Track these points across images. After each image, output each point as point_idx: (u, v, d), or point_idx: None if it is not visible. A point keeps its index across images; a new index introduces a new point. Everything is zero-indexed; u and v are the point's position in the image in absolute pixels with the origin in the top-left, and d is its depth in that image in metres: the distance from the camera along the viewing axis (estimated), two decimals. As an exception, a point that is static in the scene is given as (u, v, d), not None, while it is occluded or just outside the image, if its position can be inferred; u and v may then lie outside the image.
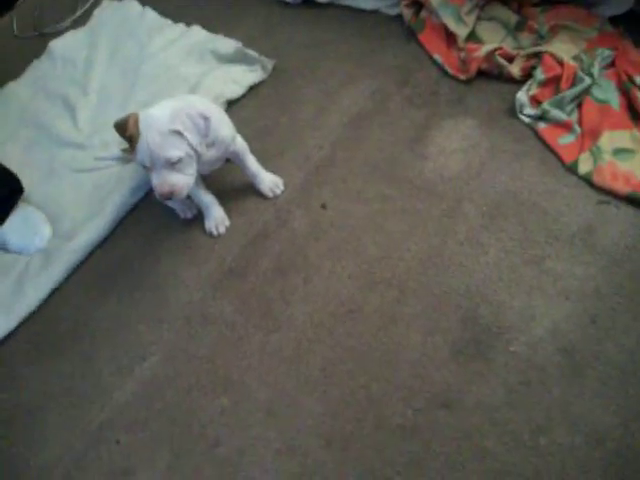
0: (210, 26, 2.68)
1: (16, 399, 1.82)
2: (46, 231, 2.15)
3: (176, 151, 1.68)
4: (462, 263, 1.74)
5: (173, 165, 1.69)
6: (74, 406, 1.76)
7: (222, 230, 1.97)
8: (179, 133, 1.68)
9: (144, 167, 1.74)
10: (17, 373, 1.87)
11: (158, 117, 1.68)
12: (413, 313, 1.68)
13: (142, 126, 1.67)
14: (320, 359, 1.66)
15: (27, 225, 2.14)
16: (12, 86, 2.73)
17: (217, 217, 1.98)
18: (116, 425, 1.69)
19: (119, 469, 1.61)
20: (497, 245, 1.75)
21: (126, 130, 1.69)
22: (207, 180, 1.99)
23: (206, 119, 1.72)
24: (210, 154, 1.81)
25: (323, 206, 1.95)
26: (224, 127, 1.83)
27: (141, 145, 1.67)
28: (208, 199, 1.97)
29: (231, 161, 1.98)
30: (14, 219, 2.17)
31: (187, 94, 2.05)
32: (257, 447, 1.56)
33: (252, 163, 1.99)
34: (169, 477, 1.57)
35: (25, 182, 2.30)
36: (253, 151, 2.00)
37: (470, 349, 1.59)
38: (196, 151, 1.72)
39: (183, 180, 1.73)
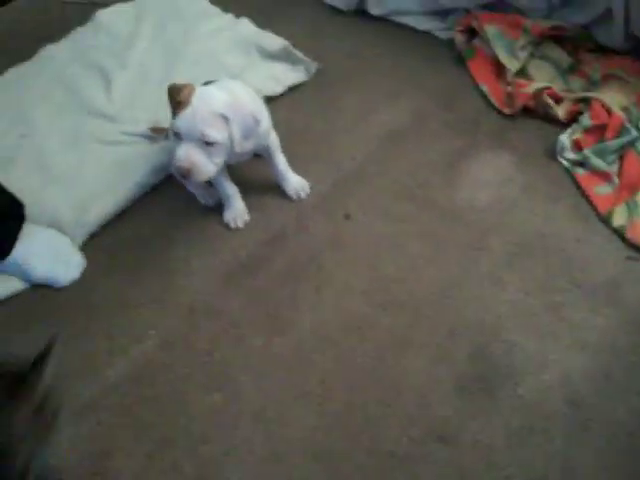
0: (257, 21, 2.64)
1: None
2: (78, 259, 1.93)
3: (216, 133, 1.65)
4: (480, 297, 1.70)
5: (205, 146, 1.66)
6: (61, 379, 1.71)
7: (240, 224, 1.93)
8: (226, 119, 1.65)
9: (174, 135, 1.70)
10: (10, 338, 1.82)
11: (214, 96, 1.67)
12: (423, 340, 1.63)
13: (195, 98, 1.65)
14: (321, 371, 1.60)
15: (53, 252, 1.91)
16: (51, 49, 2.68)
17: (238, 209, 1.93)
18: (100, 405, 1.63)
19: (97, 451, 1.55)
20: (518, 284, 1.71)
21: (179, 94, 1.67)
22: (233, 171, 1.94)
23: (257, 121, 1.71)
24: (244, 144, 1.77)
25: (347, 217, 1.91)
26: (262, 118, 1.80)
27: (186, 113, 1.64)
28: (231, 190, 1.92)
29: (260, 156, 1.94)
30: (35, 245, 1.90)
31: (230, 79, 2.00)
32: (242, 450, 1.50)
33: (281, 161, 1.95)
34: (147, 466, 1.51)
35: (50, 148, 2.27)
36: (284, 152, 1.96)
37: (476, 385, 1.54)
38: (232, 145, 1.69)
39: (207, 165, 1.69)
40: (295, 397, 1.56)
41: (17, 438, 0.98)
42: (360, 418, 1.51)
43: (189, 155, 1.66)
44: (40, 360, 1.04)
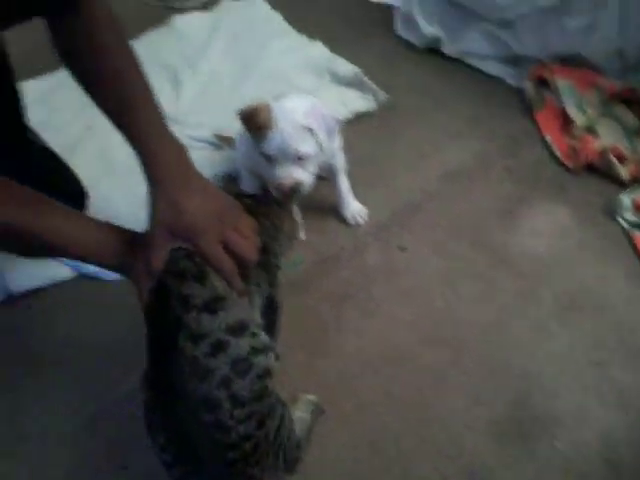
0: (331, 46, 2.69)
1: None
2: None
3: (307, 147, 1.68)
4: (525, 345, 1.70)
5: (300, 161, 1.69)
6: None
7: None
8: (312, 130, 1.68)
9: (267, 158, 1.72)
10: (52, 322, 1.83)
11: (293, 110, 1.69)
12: (464, 379, 1.63)
13: (276, 117, 1.67)
14: (359, 397, 1.61)
15: None
16: (124, 47, 2.74)
17: (294, 228, 1.95)
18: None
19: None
20: (565, 337, 1.71)
21: (256, 118, 1.68)
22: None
23: (337, 121, 1.75)
24: (329, 145, 1.79)
25: (401, 248, 1.92)
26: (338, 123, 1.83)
27: (274, 135, 1.67)
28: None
29: (324, 178, 1.96)
30: None
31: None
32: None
33: (344, 184, 1.97)
34: None
35: (113, 142, 2.30)
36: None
37: (513, 431, 1.53)
38: (322, 150, 1.72)
39: (307, 177, 1.74)
40: (330, 418, 1.56)
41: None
42: (393, 448, 1.51)
43: (290, 174, 1.71)
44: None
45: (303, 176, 1.72)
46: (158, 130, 1.27)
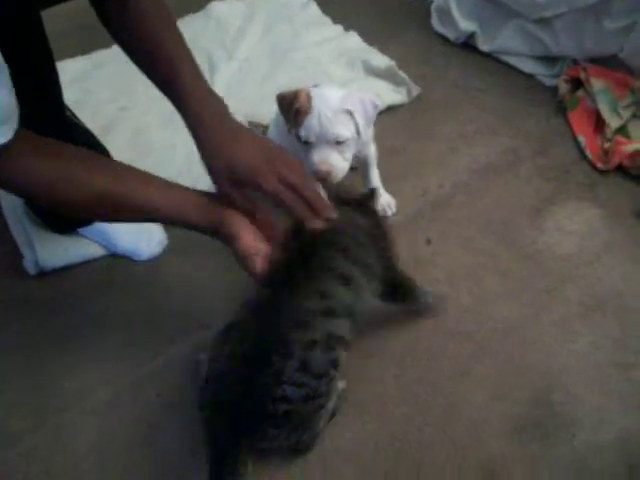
0: (366, 37, 2.71)
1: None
2: (161, 235, 1.99)
3: (345, 130, 1.70)
4: (549, 343, 1.69)
5: (337, 145, 1.71)
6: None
7: (323, 231, 1.96)
8: (350, 113, 1.70)
9: (304, 143, 1.74)
10: (81, 301, 1.87)
11: (331, 95, 1.72)
12: (486, 374, 1.64)
13: (314, 101, 1.69)
14: (379, 386, 1.62)
15: (138, 226, 1.94)
16: (159, 32, 2.78)
17: (322, 216, 1.96)
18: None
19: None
20: (589, 337, 1.70)
21: (295, 102, 1.71)
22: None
23: (375, 106, 1.76)
24: (367, 131, 1.82)
25: (428, 241, 1.93)
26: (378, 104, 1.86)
27: (311, 119, 1.69)
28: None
29: (353, 169, 1.97)
30: None
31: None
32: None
33: (375, 175, 1.99)
34: None
35: (147, 123, 2.34)
36: (375, 168, 2.00)
37: (531, 429, 1.53)
38: (359, 135, 1.73)
39: (342, 163, 1.75)
40: (353, 409, 1.58)
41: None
42: (414, 440, 1.52)
43: (326, 159, 1.72)
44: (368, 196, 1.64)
45: (339, 162, 1.74)
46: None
